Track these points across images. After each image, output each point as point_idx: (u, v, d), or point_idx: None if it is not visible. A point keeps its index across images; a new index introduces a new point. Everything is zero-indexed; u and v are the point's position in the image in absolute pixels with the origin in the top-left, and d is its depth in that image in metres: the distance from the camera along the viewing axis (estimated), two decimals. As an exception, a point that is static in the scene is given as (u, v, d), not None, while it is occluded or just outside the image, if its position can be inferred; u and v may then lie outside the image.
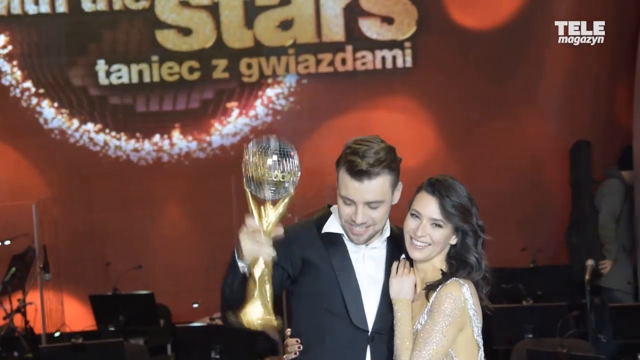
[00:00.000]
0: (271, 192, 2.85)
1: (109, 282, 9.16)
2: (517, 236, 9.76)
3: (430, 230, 3.06)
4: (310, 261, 3.12)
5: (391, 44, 10.12)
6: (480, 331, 3.09)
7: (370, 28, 10.08)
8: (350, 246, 3.16)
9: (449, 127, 10.17)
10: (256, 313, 2.77)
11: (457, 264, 3.07)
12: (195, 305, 8.89)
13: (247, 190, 2.88)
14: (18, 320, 8.48)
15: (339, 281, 3.09)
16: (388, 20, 10.09)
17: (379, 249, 3.19)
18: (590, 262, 6.86)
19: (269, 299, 2.81)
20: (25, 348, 8.08)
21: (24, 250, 8.94)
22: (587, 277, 6.78)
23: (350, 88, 10.12)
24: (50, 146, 9.98)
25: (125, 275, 8.89)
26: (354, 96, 10.13)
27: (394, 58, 10.13)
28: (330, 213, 3.23)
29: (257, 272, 2.81)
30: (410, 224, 3.10)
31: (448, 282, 3.04)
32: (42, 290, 8.99)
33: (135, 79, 10.00)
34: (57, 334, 8.77)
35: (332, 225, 3.18)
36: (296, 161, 2.89)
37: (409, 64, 10.16)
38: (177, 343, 7.80)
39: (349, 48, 10.11)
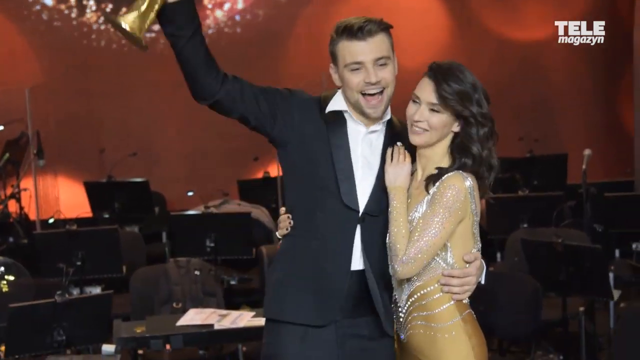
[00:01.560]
0: None
1: (103, 169, 9.13)
2: (514, 125, 9.71)
3: (428, 115, 3.00)
4: (307, 134, 3.11)
5: None
6: (477, 225, 3.04)
7: None
8: (350, 128, 3.14)
9: (450, 13, 10.01)
10: (130, 21, 2.84)
11: (460, 155, 3.00)
12: (190, 194, 8.88)
13: None
14: (12, 206, 8.47)
15: (333, 157, 3.08)
16: None
17: (378, 133, 3.15)
18: (587, 152, 6.78)
19: (148, 21, 2.87)
20: (19, 234, 8.08)
21: (17, 135, 8.87)
22: (583, 166, 6.72)
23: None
24: (44, 31, 9.80)
25: (120, 162, 8.83)
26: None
27: None
28: (336, 93, 3.20)
29: None
30: (410, 109, 3.05)
31: (451, 173, 2.97)
32: (36, 177, 8.96)
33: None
34: (51, 221, 8.76)
35: (336, 104, 3.16)
36: None
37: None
38: (172, 230, 7.80)
39: None
